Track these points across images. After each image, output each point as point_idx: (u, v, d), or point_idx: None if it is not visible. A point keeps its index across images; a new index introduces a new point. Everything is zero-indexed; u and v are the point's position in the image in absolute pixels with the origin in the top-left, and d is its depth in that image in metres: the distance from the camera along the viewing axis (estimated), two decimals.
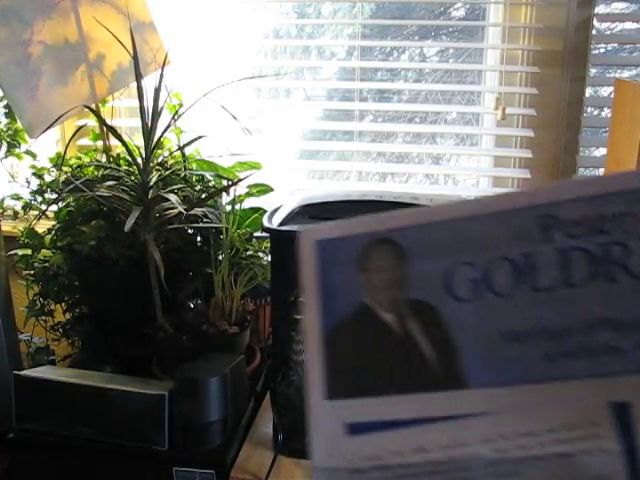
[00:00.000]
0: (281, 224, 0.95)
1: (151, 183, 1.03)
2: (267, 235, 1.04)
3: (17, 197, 1.23)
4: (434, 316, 0.48)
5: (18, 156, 1.27)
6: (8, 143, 1.22)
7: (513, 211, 0.48)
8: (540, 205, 0.47)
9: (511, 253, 0.47)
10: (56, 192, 1.17)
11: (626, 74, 1.43)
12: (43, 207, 1.19)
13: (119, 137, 1.03)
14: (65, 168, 1.19)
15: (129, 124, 1.46)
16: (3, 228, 1.22)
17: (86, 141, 1.41)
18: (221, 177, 1.20)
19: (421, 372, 0.47)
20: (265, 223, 0.94)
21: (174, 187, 1.08)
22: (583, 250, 0.46)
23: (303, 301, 0.48)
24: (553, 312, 0.46)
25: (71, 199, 1.13)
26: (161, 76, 1.04)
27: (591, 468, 0.44)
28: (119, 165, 1.20)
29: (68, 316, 1.24)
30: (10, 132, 1.22)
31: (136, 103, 1.02)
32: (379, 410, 0.48)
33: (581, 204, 0.47)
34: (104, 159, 1.25)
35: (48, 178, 1.21)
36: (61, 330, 1.24)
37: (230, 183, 1.14)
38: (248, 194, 1.20)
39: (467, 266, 0.48)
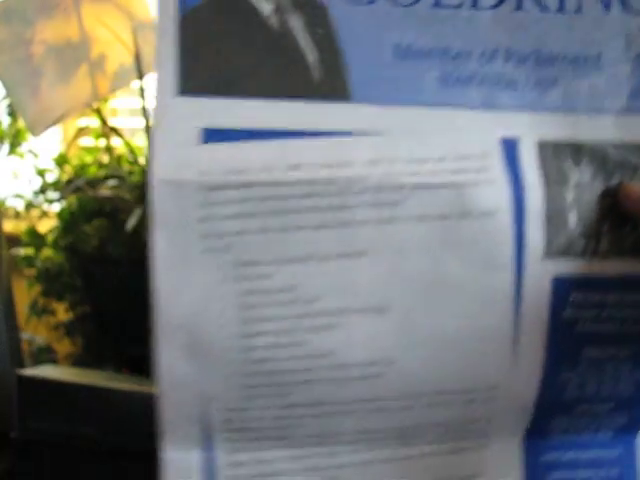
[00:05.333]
0: None
1: None
2: None
3: (19, 196, 1.24)
4: (321, 16, 0.41)
5: (20, 155, 1.27)
6: (11, 142, 1.23)
7: None
8: None
9: None
10: (59, 191, 1.18)
11: None
12: (45, 206, 1.19)
13: (121, 136, 1.03)
14: (67, 168, 1.20)
15: (129, 124, 1.46)
16: (5, 227, 1.22)
17: (89, 140, 1.41)
18: None
19: (299, 75, 0.41)
20: None
21: None
22: None
23: None
24: (455, 32, 0.42)
25: (73, 199, 1.13)
26: None
27: (478, 201, 0.41)
28: (121, 165, 1.20)
29: (70, 315, 1.24)
30: (13, 131, 1.23)
31: (135, 103, 1.02)
32: (244, 114, 0.40)
33: None
34: (106, 158, 1.25)
35: (50, 177, 1.21)
36: (63, 329, 1.24)
37: None
38: None
39: None
